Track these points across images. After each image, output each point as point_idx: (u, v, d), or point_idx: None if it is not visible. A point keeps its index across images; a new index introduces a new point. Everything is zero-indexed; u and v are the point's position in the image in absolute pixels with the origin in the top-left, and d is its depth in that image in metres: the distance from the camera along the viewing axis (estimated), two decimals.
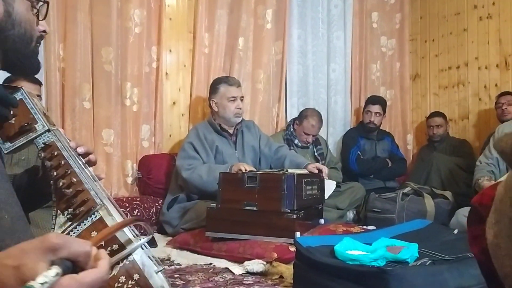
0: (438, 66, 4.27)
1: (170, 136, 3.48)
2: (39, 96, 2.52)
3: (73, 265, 0.53)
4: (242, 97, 2.99)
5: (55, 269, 0.50)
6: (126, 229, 0.92)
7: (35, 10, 0.92)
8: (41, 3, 0.91)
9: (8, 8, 0.84)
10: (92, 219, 0.92)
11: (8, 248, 0.52)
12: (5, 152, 0.97)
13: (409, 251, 1.62)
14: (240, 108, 2.93)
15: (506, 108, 3.41)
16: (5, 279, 0.49)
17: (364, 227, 2.89)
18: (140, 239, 0.95)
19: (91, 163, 1.10)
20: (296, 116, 3.60)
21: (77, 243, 0.54)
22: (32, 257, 0.50)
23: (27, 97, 0.98)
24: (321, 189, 2.65)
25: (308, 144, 3.50)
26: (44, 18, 0.96)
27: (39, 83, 2.56)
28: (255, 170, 2.54)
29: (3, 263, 0.50)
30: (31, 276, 0.48)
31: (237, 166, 2.53)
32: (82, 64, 2.99)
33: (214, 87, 3.00)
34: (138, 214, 2.77)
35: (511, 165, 0.53)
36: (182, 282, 1.88)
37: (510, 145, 0.52)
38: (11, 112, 0.93)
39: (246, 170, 2.44)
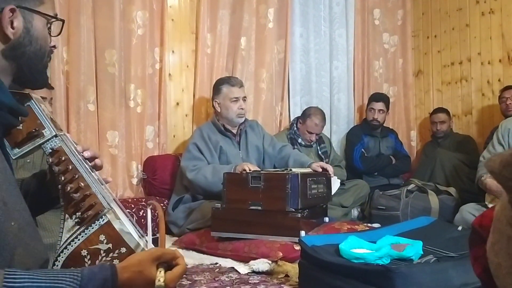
0: (441, 62, 4.26)
1: (174, 136, 3.49)
2: (51, 99, 2.55)
3: (168, 265, 0.83)
4: (245, 97, 2.99)
5: (162, 271, 0.81)
6: (132, 230, 0.94)
7: (48, 25, 0.94)
8: (54, 20, 0.93)
9: (28, 25, 0.87)
10: (100, 222, 0.93)
11: (127, 259, 0.82)
12: (14, 158, 0.98)
13: (413, 249, 1.63)
14: (242, 109, 2.94)
15: (510, 103, 3.40)
16: (136, 280, 0.78)
17: (369, 224, 2.90)
18: (146, 240, 0.97)
19: (97, 168, 1.11)
20: (300, 115, 3.61)
21: (168, 252, 0.84)
22: (148, 264, 0.80)
23: (34, 103, 0.99)
24: (328, 187, 2.66)
25: (312, 143, 3.51)
26: (58, 35, 1.00)
27: (51, 87, 2.58)
28: (259, 170, 2.55)
29: (131, 270, 0.78)
30: (150, 276, 0.79)
31: (241, 166, 2.54)
32: (86, 66, 3.01)
33: (216, 88, 3.01)
34: (144, 215, 2.78)
35: (501, 183, 0.54)
36: (188, 282, 1.89)
37: (498, 164, 0.53)
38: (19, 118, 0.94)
39: (250, 170, 2.45)
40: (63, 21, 0.97)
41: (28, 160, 2.21)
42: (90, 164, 1.07)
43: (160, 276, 0.79)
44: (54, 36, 0.98)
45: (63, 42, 2.95)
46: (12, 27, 0.84)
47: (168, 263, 0.83)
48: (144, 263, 0.79)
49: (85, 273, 0.74)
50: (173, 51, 3.47)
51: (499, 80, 3.76)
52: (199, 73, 3.48)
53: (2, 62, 0.85)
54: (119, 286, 0.75)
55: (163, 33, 3.34)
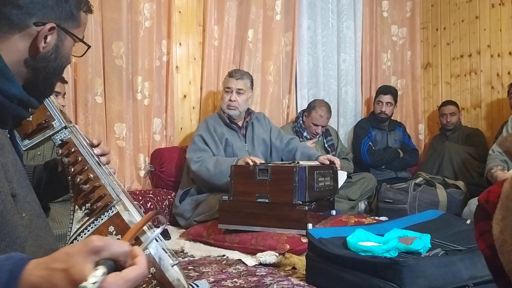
0: (450, 55, 4.22)
1: (181, 129, 3.50)
2: (59, 93, 2.56)
3: (115, 264, 0.57)
4: (241, 89, 2.93)
5: (102, 269, 0.54)
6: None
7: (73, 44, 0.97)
8: (79, 42, 0.96)
9: (59, 43, 0.90)
10: (109, 214, 0.94)
11: (52, 253, 0.56)
12: (24, 149, 0.99)
13: (421, 242, 1.63)
14: (232, 101, 2.90)
15: None
16: (56, 282, 0.53)
17: (376, 218, 2.89)
18: (154, 231, 0.97)
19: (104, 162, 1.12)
20: (305, 108, 3.59)
21: (117, 244, 0.57)
22: (78, 259, 0.54)
23: None
24: (335, 180, 2.65)
25: (318, 136, 3.50)
26: (81, 56, 1.07)
27: (65, 81, 2.59)
28: (264, 162, 2.54)
29: (52, 267, 0.54)
30: (80, 277, 0.53)
31: (243, 159, 2.53)
32: (93, 59, 3.01)
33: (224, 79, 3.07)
34: (151, 207, 2.80)
35: None
36: (196, 273, 1.91)
37: None
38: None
39: (253, 163, 2.44)
40: (89, 46, 1.02)
41: (38, 153, 2.23)
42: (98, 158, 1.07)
43: (93, 276, 0.53)
44: (78, 57, 1.04)
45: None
46: (45, 42, 0.87)
47: (117, 261, 0.57)
48: (73, 258, 0.54)
49: None
50: (180, 44, 3.47)
51: (508, 73, 3.72)
52: (206, 65, 3.47)
53: (21, 69, 0.87)
54: (23, 286, 0.53)
55: (170, 25, 3.34)
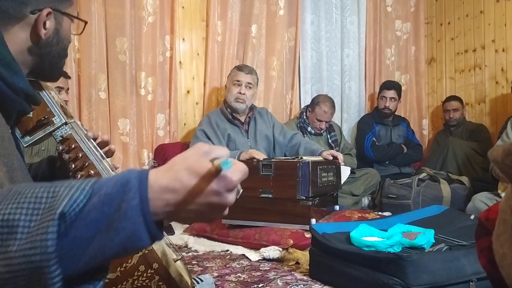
0: (454, 50, 4.20)
1: (184, 124, 3.50)
2: (61, 88, 2.56)
3: None
4: (250, 83, 2.97)
5: (219, 160, 0.57)
6: None
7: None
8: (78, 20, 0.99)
9: (58, 26, 0.91)
10: None
11: (167, 162, 0.58)
12: (25, 145, 0.99)
13: (425, 237, 1.62)
14: (241, 94, 2.93)
15: None
16: (183, 177, 0.55)
17: (380, 213, 2.89)
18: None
19: (110, 153, 1.12)
20: (309, 103, 3.59)
21: (220, 148, 0.61)
22: (195, 158, 0.58)
23: (44, 92, 1.00)
24: (337, 175, 2.65)
25: (322, 131, 3.49)
26: (80, 34, 1.08)
27: (68, 77, 2.60)
28: (266, 158, 2.54)
29: (175, 169, 0.56)
30: (203, 169, 0.56)
31: (248, 153, 2.54)
32: (97, 54, 3.02)
33: (229, 73, 3.07)
34: None
35: (504, 172, 0.56)
36: (200, 268, 1.91)
37: (501, 154, 0.55)
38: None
39: (257, 158, 2.45)
40: (86, 22, 1.03)
41: (43, 148, 2.24)
42: (101, 151, 1.07)
43: (218, 161, 0.56)
44: (77, 35, 1.02)
45: (74, 30, 2.95)
46: (45, 28, 0.88)
47: None
48: (191, 158, 0.57)
49: (102, 181, 0.58)
50: (183, 39, 3.47)
51: None
52: (210, 61, 3.47)
53: (25, 57, 0.88)
54: (154, 189, 0.54)
55: (173, 20, 3.33)
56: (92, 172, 0.97)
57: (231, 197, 0.58)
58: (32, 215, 0.51)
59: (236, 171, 0.57)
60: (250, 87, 2.97)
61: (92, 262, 0.52)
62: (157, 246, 0.89)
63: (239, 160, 2.44)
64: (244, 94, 2.93)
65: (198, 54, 3.53)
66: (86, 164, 0.98)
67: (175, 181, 0.55)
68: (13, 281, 0.49)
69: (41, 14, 0.87)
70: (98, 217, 0.52)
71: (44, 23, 0.88)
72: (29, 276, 0.49)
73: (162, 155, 3.21)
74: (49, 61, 0.92)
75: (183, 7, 3.44)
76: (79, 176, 0.97)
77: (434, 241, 1.64)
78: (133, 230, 0.52)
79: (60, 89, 2.47)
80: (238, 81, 2.94)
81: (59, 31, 0.92)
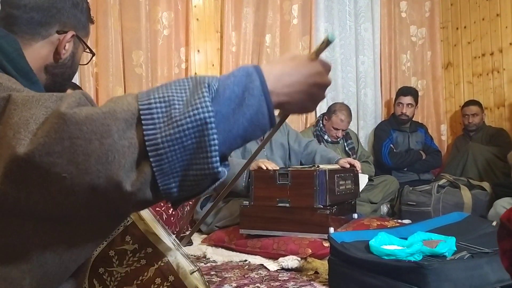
0: (471, 54, 4.15)
1: None
2: None
3: None
4: None
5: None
6: (158, 230, 0.95)
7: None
8: (88, 52, 1.05)
9: (74, 50, 0.97)
10: (124, 223, 0.94)
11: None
12: None
13: (446, 245, 1.60)
14: None
15: None
16: (298, 63, 0.69)
17: (399, 221, 2.85)
18: (173, 239, 0.97)
19: None
20: (325, 111, 3.58)
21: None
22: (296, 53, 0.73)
23: None
24: (356, 183, 2.63)
25: (338, 139, 3.48)
26: (86, 64, 1.14)
27: (80, 89, 2.64)
28: (278, 168, 2.52)
29: (288, 59, 0.70)
30: (306, 57, 0.70)
31: (255, 163, 2.51)
32: (114, 68, 3.07)
33: None
34: (173, 213, 2.82)
35: None
36: (218, 279, 1.91)
37: None
38: None
39: (265, 168, 2.43)
40: (94, 54, 1.09)
41: None
42: None
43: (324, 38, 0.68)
44: (83, 65, 1.12)
45: (92, 45, 3.02)
46: (65, 49, 0.93)
47: None
48: (300, 58, 0.70)
49: (223, 75, 0.68)
50: (198, 51, 3.50)
51: None
52: (225, 71, 3.49)
53: (40, 75, 0.91)
54: (272, 75, 0.66)
55: (188, 33, 3.38)
56: None
57: (329, 78, 0.71)
58: (181, 92, 0.60)
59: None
60: None
61: (229, 138, 0.62)
62: (172, 259, 0.90)
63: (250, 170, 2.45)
64: None
65: (213, 65, 3.56)
66: None
67: (289, 68, 0.68)
68: (179, 141, 0.57)
69: (66, 35, 0.91)
70: (231, 95, 0.61)
71: (65, 45, 0.92)
72: (193, 136, 0.57)
73: None
74: (59, 83, 0.95)
75: (197, 19, 3.48)
76: None
77: (455, 248, 1.61)
78: (258, 106, 0.62)
79: None
80: None
81: (75, 56, 0.96)
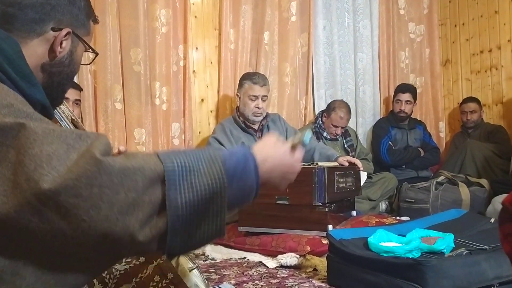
0: (469, 51, 4.15)
1: (199, 133, 3.52)
2: (79, 100, 2.62)
3: None
4: (265, 96, 2.98)
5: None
6: None
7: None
8: (91, 51, 1.03)
9: (73, 49, 0.95)
10: None
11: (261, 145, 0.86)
12: None
13: (444, 242, 1.60)
14: (259, 108, 2.93)
15: None
16: (279, 151, 0.87)
17: (398, 218, 2.86)
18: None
19: None
20: (324, 108, 3.58)
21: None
22: (275, 140, 0.90)
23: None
24: (357, 181, 2.63)
25: (337, 137, 3.48)
26: (88, 64, 1.14)
27: (80, 89, 2.64)
28: None
29: (269, 144, 0.88)
30: (285, 147, 0.89)
31: None
32: (112, 66, 3.06)
33: (240, 81, 3.05)
34: None
35: None
36: (217, 276, 1.91)
37: None
38: None
39: None
40: (97, 54, 1.06)
41: None
42: None
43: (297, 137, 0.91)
44: (86, 65, 1.11)
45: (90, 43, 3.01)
46: (61, 47, 0.91)
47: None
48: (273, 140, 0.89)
49: (225, 151, 0.78)
50: (196, 48, 3.50)
51: None
52: (223, 69, 3.49)
53: (37, 73, 0.90)
54: (259, 160, 0.79)
55: (186, 30, 3.37)
56: None
57: (300, 166, 0.90)
58: (198, 161, 0.70)
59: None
60: (265, 99, 2.99)
61: (232, 201, 0.72)
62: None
63: None
64: (261, 108, 2.95)
65: (211, 62, 3.55)
66: None
67: (270, 157, 0.82)
68: (196, 207, 0.67)
69: (60, 32, 0.89)
70: (235, 169, 0.74)
71: (61, 42, 0.90)
72: (208, 199, 0.68)
73: None
74: (58, 82, 0.94)
75: (195, 17, 3.47)
76: None
77: (454, 245, 1.62)
78: (251, 181, 0.76)
79: (76, 101, 2.53)
80: (255, 96, 2.93)
81: (73, 54, 0.94)
